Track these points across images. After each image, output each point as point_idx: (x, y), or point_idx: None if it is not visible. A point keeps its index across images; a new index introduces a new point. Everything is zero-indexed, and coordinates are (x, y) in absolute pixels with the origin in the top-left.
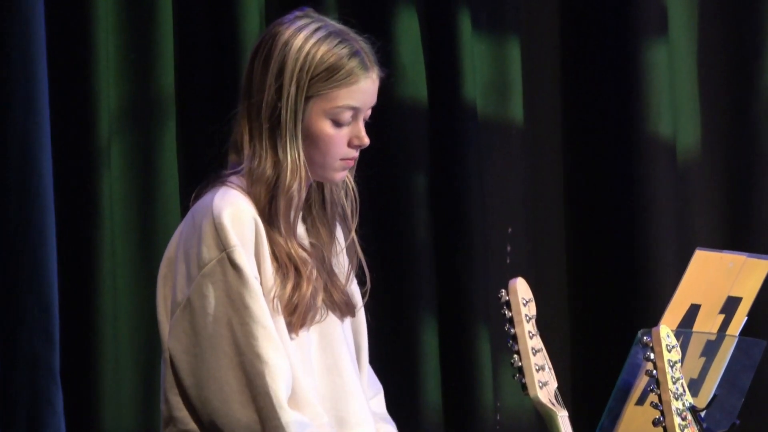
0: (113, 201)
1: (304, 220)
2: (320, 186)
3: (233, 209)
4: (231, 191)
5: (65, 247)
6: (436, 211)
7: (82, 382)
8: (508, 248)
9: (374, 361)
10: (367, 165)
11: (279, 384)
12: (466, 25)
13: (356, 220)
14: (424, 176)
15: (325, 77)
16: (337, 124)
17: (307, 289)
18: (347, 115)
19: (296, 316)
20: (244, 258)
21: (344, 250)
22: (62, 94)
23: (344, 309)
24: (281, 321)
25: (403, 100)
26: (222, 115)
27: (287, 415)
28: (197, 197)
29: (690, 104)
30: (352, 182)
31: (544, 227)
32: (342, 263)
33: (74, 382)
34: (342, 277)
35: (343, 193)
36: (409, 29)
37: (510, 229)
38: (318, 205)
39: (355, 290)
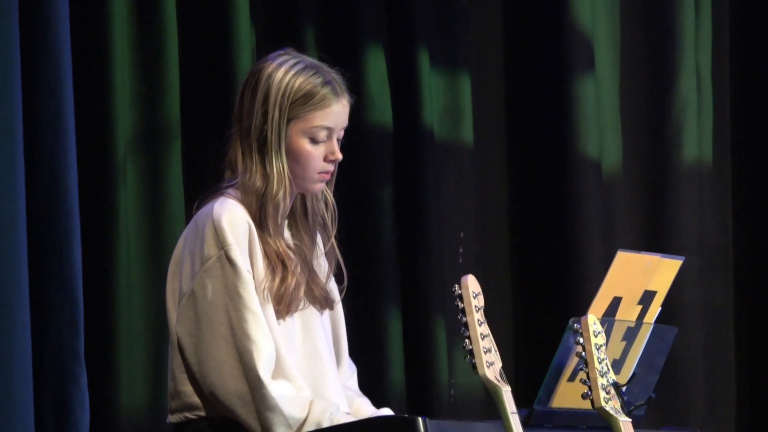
0: (128, 211)
1: (290, 228)
2: (303, 199)
3: (230, 215)
4: (228, 200)
5: (88, 249)
6: (399, 219)
7: (103, 363)
8: (461, 250)
9: (349, 346)
10: (341, 180)
11: (264, 361)
12: (425, 61)
13: (335, 227)
14: (390, 190)
15: (303, 102)
16: (314, 141)
17: (291, 281)
18: (323, 134)
19: (282, 305)
20: (239, 255)
21: (324, 254)
22: (85, 122)
23: (323, 303)
24: (270, 308)
25: (372, 125)
26: (220, 139)
27: (271, 385)
28: (199, 206)
29: (613, 129)
30: (331, 196)
31: (491, 232)
32: (322, 265)
33: (96, 363)
34: (322, 276)
35: (323, 204)
36: (376, 65)
37: (462, 234)
38: (301, 215)
39: (333, 287)
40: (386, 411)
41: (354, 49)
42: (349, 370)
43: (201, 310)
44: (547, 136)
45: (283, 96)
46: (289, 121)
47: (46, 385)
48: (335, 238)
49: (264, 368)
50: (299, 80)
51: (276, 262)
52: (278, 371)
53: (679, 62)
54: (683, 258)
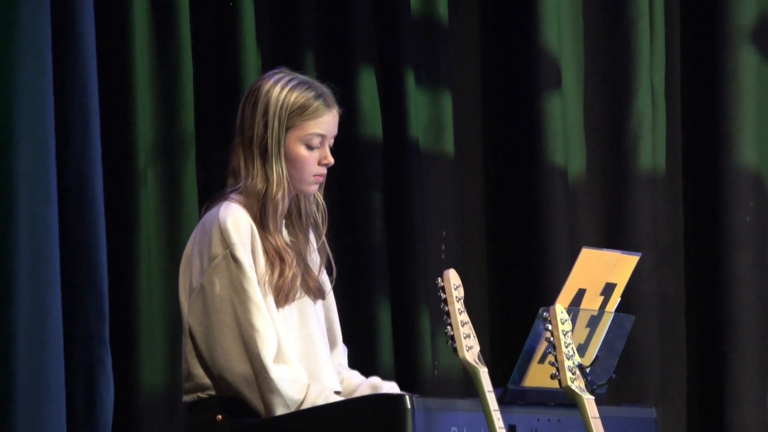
0: (148, 213)
1: (287, 227)
2: (298, 202)
3: (234, 217)
4: (232, 205)
5: (113, 246)
6: (388, 220)
7: (126, 347)
8: (443, 247)
9: (343, 333)
10: (338, 185)
11: (267, 347)
12: (410, 80)
13: (326, 227)
14: (380, 194)
15: (299, 113)
16: (309, 147)
17: (288, 273)
18: (317, 141)
19: (281, 295)
20: (243, 253)
21: (316, 250)
22: (110, 134)
23: (317, 293)
24: (271, 299)
25: (364, 137)
26: (229, 149)
27: (273, 369)
28: (206, 210)
29: (578, 140)
30: (322, 199)
31: (469, 232)
32: (315, 260)
33: (120, 348)
34: (315, 270)
35: (314, 207)
36: (367, 84)
37: (444, 233)
38: (296, 216)
39: (325, 279)
40: (375, 379)
41: (348, 70)
42: (343, 352)
43: (209, 302)
44: (519, 147)
45: (281, 108)
46: (287, 130)
47: (75, 366)
48: (326, 235)
49: (268, 354)
50: (295, 94)
51: (275, 257)
52: (278, 356)
53: (636, 81)
54: (640, 254)
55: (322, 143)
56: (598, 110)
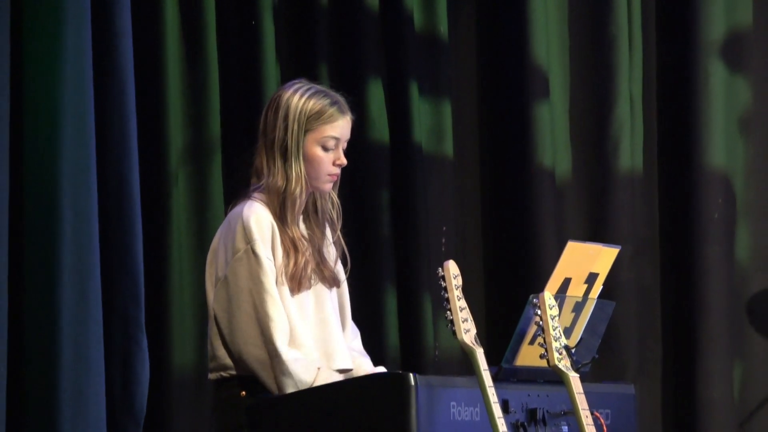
0: (179, 209)
1: (305, 222)
2: (314, 200)
3: (256, 216)
4: (255, 204)
5: (147, 239)
6: (394, 216)
7: (159, 330)
8: (443, 240)
9: (355, 317)
10: (349, 184)
11: (280, 333)
12: (414, 90)
13: (340, 222)
14: (387, 192)
15: (316, 117)
16: (325, 149)
17: (301, 260)
18: (332, 143)
19: (294, 282)
20: (262, 248)
21: (332, 244)
22: (145, 138)
23: (332, 281)
24: (286, 289)
25: (372, 142)
26: (252, 152)
27: (286, 353)
28: (232, 207)
29: (564, 145)
30: (336, 198)
31: (467, 226)
32: (331, 252)
33: (154, 331)
34: (331, 261)
35: (329, 204)
36: (376, 93)
37: (444, 228)
38: (313, 213)
39: (339, 269)
40: (381, 369)
41: (358, 81)
42: (352, 334)
43: (232, 291)
44: (512, 150)
45: (300, 113)
46: (305, 132)
47: (114, 347)
48: (340, 230)
49: (280, 340)
50: (313, 101)
51: (290, 247)
52: (291, 342)
53: (616, 91)
54: (620, 247)
55: (336, 146)
56: (583, 117)
